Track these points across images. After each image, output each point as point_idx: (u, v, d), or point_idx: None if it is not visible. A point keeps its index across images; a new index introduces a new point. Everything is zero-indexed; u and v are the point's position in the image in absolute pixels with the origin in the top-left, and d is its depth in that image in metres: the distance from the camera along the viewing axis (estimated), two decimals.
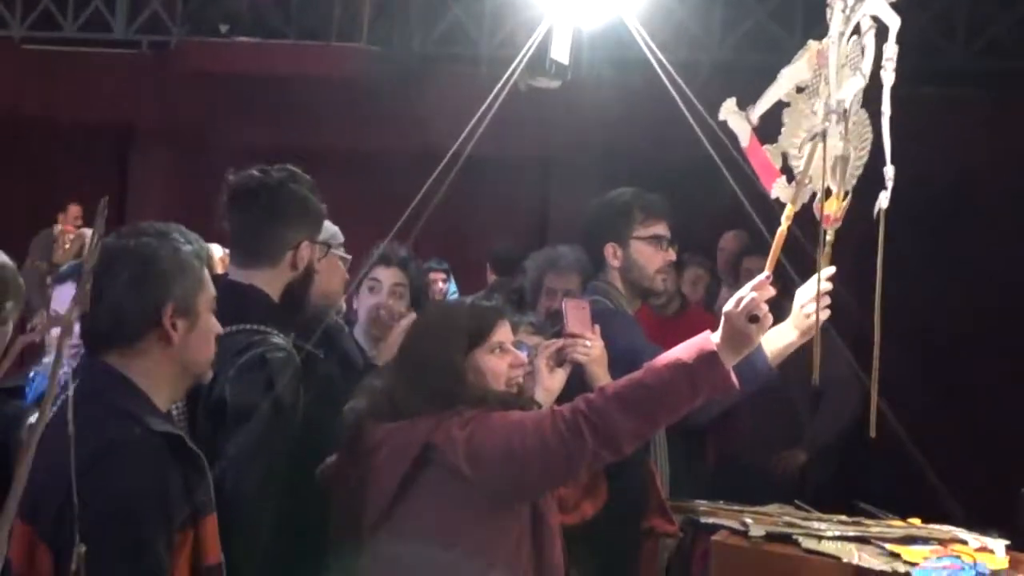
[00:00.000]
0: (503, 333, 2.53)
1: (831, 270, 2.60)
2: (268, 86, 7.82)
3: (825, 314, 2.62)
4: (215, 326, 2.15)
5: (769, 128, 2.65)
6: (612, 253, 3.29)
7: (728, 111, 2.63)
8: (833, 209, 2.53)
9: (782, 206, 2.50)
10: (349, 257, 3.13)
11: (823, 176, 2.47)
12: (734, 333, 2.32)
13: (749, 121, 2.60)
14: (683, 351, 2.33)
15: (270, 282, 2.68)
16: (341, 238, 3.14)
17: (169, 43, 8.43)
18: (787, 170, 2.61)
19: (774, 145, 2.61)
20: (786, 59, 2.61)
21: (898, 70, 2.36)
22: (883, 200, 2.43)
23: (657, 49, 2.94)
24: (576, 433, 2.29)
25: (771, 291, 2.35)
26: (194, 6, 8.45)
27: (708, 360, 2.30)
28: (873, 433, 2.50)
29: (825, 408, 4.91)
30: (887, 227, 2.41)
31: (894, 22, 2.35)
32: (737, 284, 4.66)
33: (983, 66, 6.78)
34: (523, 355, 2.56)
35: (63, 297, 2.93)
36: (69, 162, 8.29)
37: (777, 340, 2.76)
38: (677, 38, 7.00)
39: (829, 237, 2.55)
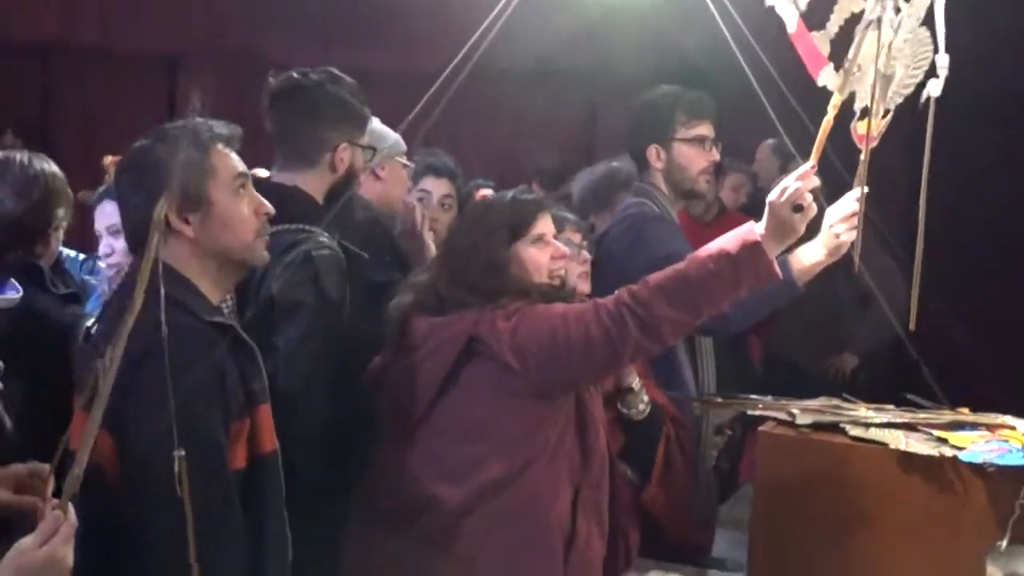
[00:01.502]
0: (544, 225, 2.54)
1: (861, 190, 2.57)
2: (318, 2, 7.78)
3: (852, 235, 2.60)
4: (242, 209, 2.11)
5: (819, 16, 2.60)
6: (655, 155, 3.28)
7: None
8: (866, 130, 2.50)
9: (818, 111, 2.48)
10: (411, 165, 3.15)
11: (875, 75, 2.43)
12: (778, 223, 2.33)
13: (797, 6, 2.55)
14: (726, 241, 2.34)
15: (311, 184, 2.71)
16: (403, 146, 3.15)
17: None
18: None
19: (822, 32, 2.57)
20: None
21: None
22: (933, 88, 2.40)
23: None
24: (620, 324, 2.31)
25: (816, 181, 2.36)
26: None
27: (752, 250, 2.31)
28: (912, 326, 2.51)
29: (874, 314, 4.90)
30: (938, 119, 2.38)
31: None
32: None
33: None
34: (565, 248, 2.57)
35: (104, 214, 2.99)
36: (121, 88, 8.32)
37: (805, 258, 2.73)
38: None
39: (863, 156, 2.52)
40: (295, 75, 2.79)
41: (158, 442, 1.78)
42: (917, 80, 2.52)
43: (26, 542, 1.58)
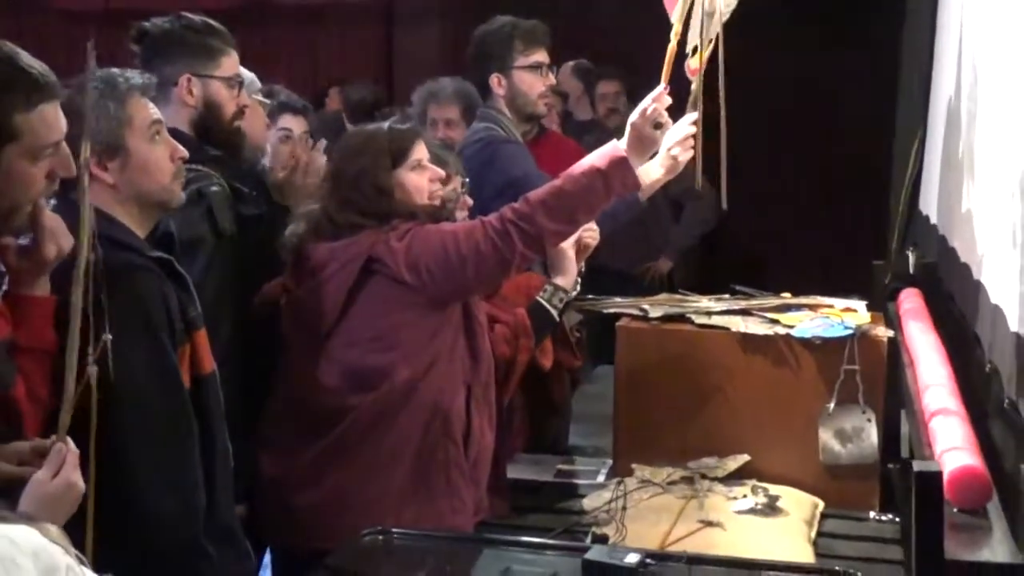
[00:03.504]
0: (420, 151, 2.77)
1: (695, 116, 2.89)
2: None
3: (689, 154, 2.93)
4: (158, 153, 2.24)
5: None
6: (497, 82, 3.56)
7: None
8: (697, 64, 2.83)
9: None
10: (268, 102, 3.29)
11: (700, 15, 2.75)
12: (641, 139, 2.66)
13: None
14: (596, 159, 2.64)
15: (171, 119, 2.84)
16: (258, 84, 3.29)
17: None
18: None
19: None
20: None
21: None
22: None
23: None
24: (505, 237, 2.58)
25: (668, 100, 2.68)
26: None
27: (619, 163, 2.61)
28: (725, 205, 2.88)
29: (685, 217, 5.36)
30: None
31: None
32: None
33: None
34: (440, 171, 2.81)
35: None
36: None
37: (645, 176, 2.97)
38: None
39: (694, 87, 2.85)
40: (144, 24, 2.92)
41: (130, 371, 1.96)
42: (732, 8, 2.86)
43: (39, 475, 1.73)
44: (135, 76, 2.26)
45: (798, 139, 6.68)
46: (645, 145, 2.68)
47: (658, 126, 2.66)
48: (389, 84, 7.79)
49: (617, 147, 2.65)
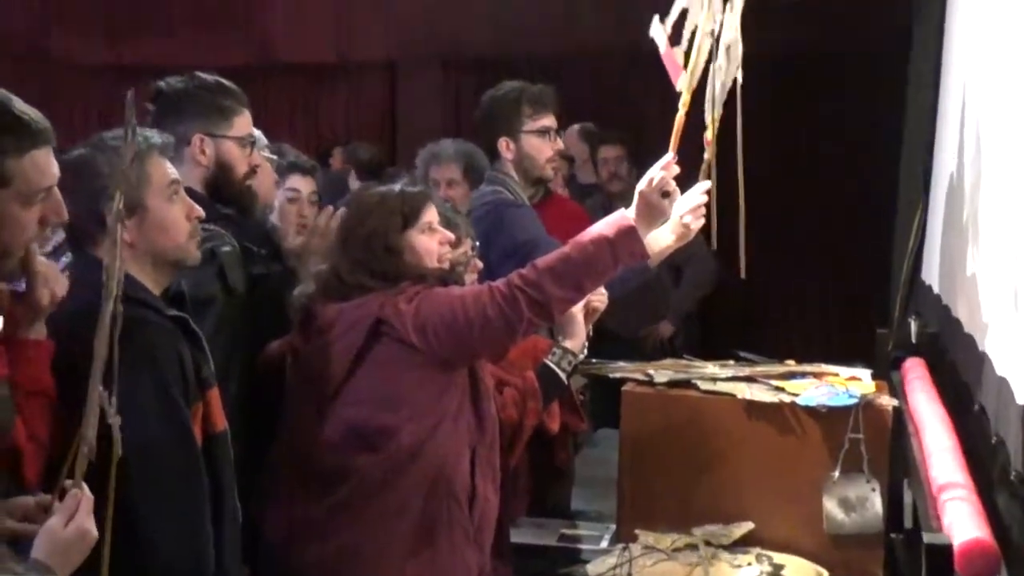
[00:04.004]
0: (431, 214, 2.80)
1: (708, 184, 2.92)
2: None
3: (700, 223, 2.95)
4: (175, 212, 2.28)
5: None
6: (505, 146, 3.60)
7: (654, 27, 2.87)
8: (710, 135, 2.87)
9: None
10: (275, 158, 3.33)
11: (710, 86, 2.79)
12: (649, 208, 2.66)
13: (664, 31, 2.85)
14: (604, 227, 2.65)
15: (185, 178, 2.87)
16: (265, 141, 3.33)
17: None
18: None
19: (678, 47, 2.88)
20: None
21: None
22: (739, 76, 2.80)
23: None
24: (513, 303, 2.59)
25: (676, 169, 2.70)
26: None
27: (627, 232, 2.63)
28: (743, 275, 2.89)
29: (686, 281, 5.39)
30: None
31: None
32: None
33: None
34: (450, 234, 2.84)
35: None
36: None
37: (655, 243, 2.97)
38: None
39: (707, 155, 2.88)
40: (159, 83, 2.96)
41: (144, 429, 1.97)
42: (733, 77, 2.89)
43: (52, 522, 1.74)
44: (154, 135, 2.30)
45: (800, 206, 6.73)
46: (653, 214, 2.69)
47: (666, 195, 2.68)
48: (392, 142, 7.86)
49: (625, 216, 2.66)
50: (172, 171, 2.31)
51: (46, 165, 1.95)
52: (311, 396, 2.69)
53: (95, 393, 1.82)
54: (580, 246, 2.63)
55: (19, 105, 1.93)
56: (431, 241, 2.78)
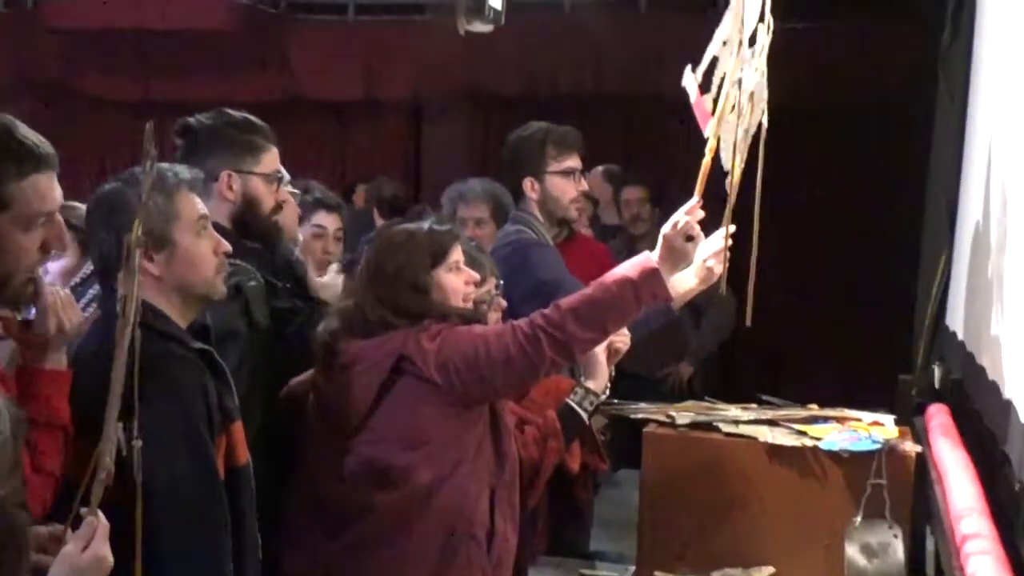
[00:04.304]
0: (457, 253, 2.81)
1: (732, 228, 2.92)
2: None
3: (723, 267, 2.95)
4: (204, 247, 2.29)
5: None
6: (530, 187, 3.62)
7: (686, 77, 2.88)
8: (735, 180, 2.87)
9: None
10: (298, 193, 3.36)
11: (733, 133, 2.80)
12: (673, 251, 2.67)
13: (695, 79, 2.87)
14: (627, 269, 2.67)
15: (213, 213, 2.89)
16: (287, 176, 3.36)
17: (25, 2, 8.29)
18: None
19: (707, 95, 2.90)
20: None
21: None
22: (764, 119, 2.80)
23: None
24: (535, 343, 2.60)
25: (701, 213, 2.71)
26: None
27: (650, 275, 2.64)
28: (748, 322, 2.87)
29: (707, 323, 5.39)
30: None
31: None
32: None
33: None
34: (475, 274, 2.85)
35: None
36: None
37: (679, 285, 3.01)
38: None
39: (731, 199, 2.89)
40: (188, 119, 2.99)
41: (168, 461, 1.98)
42: (757, 121, 2.90)
43: (68, 549, 1.74)
44: (183, 171, 2.32)
45: (824, 250, 6.72)
46: (677, 257, 2.69)
47: (690, 239, 2.69)
48: (417, 179, 7.90)
49: (649, 258, 2.67)
50: (201, 207, 2.33)
51: (47, 190, 1.96)
52: (331, 433, 2.70)
53: (112, 419, 1.83)
54: (604, 287, 2.64)
55: (22, 130, 1.95)
56: (458, 280, 2.79)
